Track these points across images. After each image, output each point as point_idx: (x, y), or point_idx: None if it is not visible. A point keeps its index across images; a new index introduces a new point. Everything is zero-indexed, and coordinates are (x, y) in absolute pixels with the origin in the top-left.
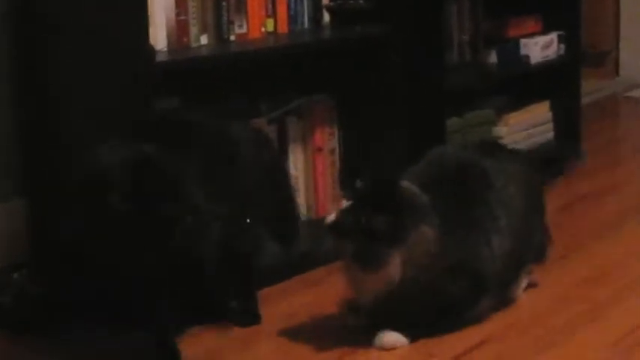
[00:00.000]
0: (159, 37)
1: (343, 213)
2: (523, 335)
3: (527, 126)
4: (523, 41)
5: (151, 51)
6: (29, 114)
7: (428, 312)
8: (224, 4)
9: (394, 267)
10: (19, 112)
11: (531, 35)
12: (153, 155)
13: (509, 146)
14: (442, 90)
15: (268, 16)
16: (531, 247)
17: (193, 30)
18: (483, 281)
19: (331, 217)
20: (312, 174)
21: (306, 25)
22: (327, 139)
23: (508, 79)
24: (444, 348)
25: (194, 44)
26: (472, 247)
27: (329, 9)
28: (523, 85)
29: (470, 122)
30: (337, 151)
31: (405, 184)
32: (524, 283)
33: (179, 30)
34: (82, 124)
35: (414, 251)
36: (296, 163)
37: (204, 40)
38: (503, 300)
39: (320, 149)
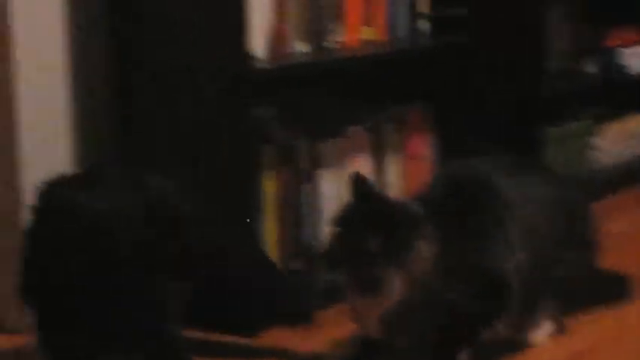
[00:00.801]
0: (258, 44)
1: (333, 240)
2: None
3: (625, 137)
4: (623, 51)
5: (250, 58)
6: (123, 120)
7: (441, 331)
8: (323, 12)
9: (394, 287)
10: (112, 117)
11: (631, 45)
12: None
13: (604, 158)
14: (540, 98)
15: (366, 24)
16: (560, 284)
17: (292, 38)
18: (496, 288)
19: (322, 248)
20: (408, 182)
21: (403, 32)
22: (423, 146)
23: (607, 88)
24: None
25: (292, 52)
26: (479, 259)
27: (426, 17)
28: (622, 95)
29: (568, 132)
30: (432, 158)
31: (397, 199)
32: (546, 327)
33: (278, 37)
34: (176, 132)
35: (412, 269)
36: (391, 172)
37: (302, 47)
38: (519, 340)
39: (416, 157)
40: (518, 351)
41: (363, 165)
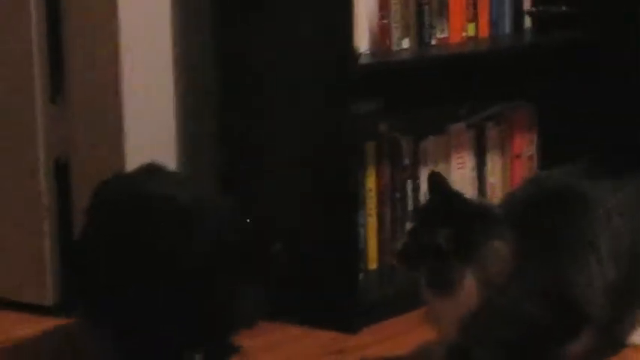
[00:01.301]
0: (362, 40)
1: (407, 237)
2: None
3: None
4: None
5: (356, 54)
6: (233, 119)
7: (514, 343)
8: (426, 8)
9: (469, 286)
10: (224, 116)
11: None
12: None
13: None
14: None
15: (470, 21)
16: None
17: (395, 33)
18: (578, 310)
19: (398, 245)
20: (510, 181)
21: (507, 29)
22: (526, 145)
23: None
24: None
25: (396, 48)
26: (562, 271)
27: (530, 14)
28: None
29: None
30: (535, 157)
31: (474, 197)
32: None
33: (381, 33)
34: (279, 127)
35: (487, 268)
36: (493, 170)
37: (405, 43)
38: (612, 343)
39: (518, 156)
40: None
41: (464, 162)
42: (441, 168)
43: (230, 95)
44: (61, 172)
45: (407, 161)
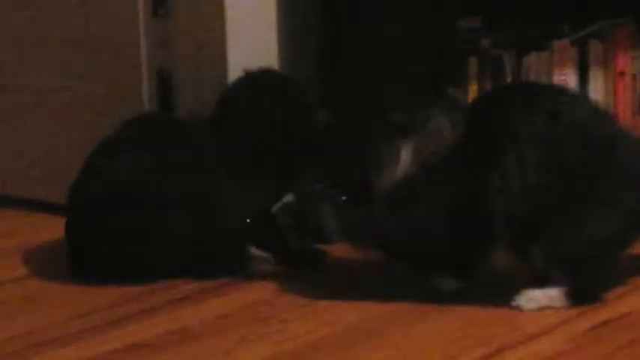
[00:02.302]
0: None
1: None
2: None
3: None
4: None
5: None
6: (329, 37)
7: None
8: None
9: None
10: (325, 29)
11: None
12: None
13: None
14: None
15: None
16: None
17: None
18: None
19: None
20: (613, 98)
21: None
22: (630, 63)
23: None
24: None
25: None
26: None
27: None
28: None
29: None
30: (638, 76)
31: None
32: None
33: None
34: (382, 45)
35: (425, 143)
36: (596, 87)
37: None
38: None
39: (622, 73)
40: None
41: (567, 79)
42: None
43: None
44: (164, 84)
45: (509, 78)
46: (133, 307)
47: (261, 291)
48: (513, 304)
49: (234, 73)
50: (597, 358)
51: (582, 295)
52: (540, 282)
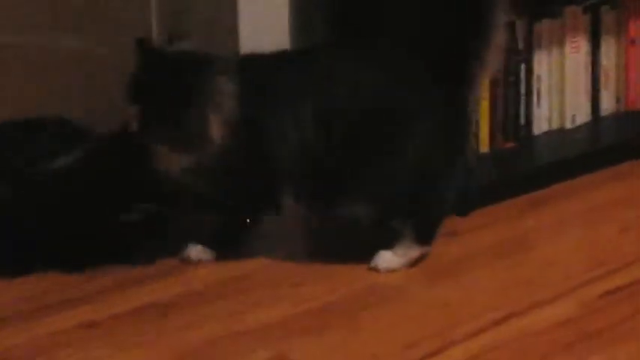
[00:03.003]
0: None
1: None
2: None
3: None
4: None
5: None
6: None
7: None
8: None
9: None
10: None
11: None
12: None
13: None
14: None
15: None
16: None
17: None
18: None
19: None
20: (624, 66)
21: None
22: None
23: None
24: None
25: None
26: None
27: None
28: None
29: None
30: None
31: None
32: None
33: None
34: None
35: (219, 106)
36: (608, 54)
37: None
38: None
39: (633, 41)
40: None
41: (579, 47)
42: (555, 52)
43: None
44: None
45: (521, 44)
46: (144, 271)
47: None
48: (371, 265)
49: (245, 44)
50: (608, 324)
51: (428, 232)
52: None
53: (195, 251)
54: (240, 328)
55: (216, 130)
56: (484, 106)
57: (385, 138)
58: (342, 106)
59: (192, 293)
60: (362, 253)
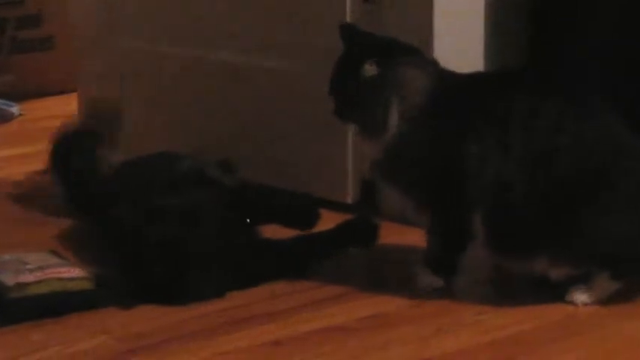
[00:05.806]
0: None
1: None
2: None
3: None
4: None
5: None
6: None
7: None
8: None
9: (393, 119)
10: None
11: None
12: None
13: None
14: None
15: None
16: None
17: None
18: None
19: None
20: None
21: None
22: None
23: None
24: None
25: None
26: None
27: None
28: None
29: None
30: None
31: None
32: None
33: None
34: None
35: (406, 97)
36: None
37: None
38: None
39: None
40: None
41: None
42: None
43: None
44: None
45: None
46: (331, 291)
47: None
48: (566, 298)
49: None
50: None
51: (627, 268)
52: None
53: (426, 278)
54: (425, 354)
55: (394, 120)
56: None
57: (601, 199)
58: (565, 154)
59: (378, 315)
60: (553, 285)
